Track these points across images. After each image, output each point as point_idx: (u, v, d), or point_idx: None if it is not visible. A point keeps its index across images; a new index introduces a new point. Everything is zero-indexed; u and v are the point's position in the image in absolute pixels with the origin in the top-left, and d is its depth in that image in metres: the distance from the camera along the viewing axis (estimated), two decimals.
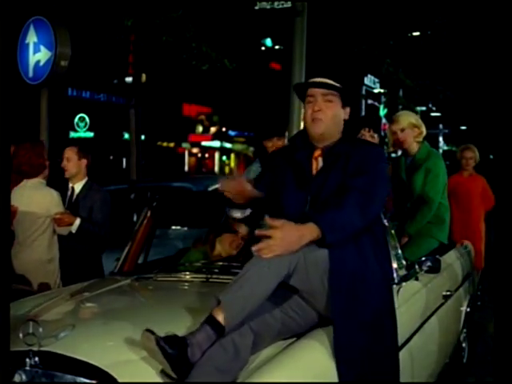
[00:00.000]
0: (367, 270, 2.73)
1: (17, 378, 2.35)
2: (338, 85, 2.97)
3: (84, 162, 5.16)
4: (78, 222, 4.82)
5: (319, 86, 2.96)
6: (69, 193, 5.17)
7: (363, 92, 40.21)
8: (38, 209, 4.66)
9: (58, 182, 5.02)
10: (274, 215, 2.77)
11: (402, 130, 4.63)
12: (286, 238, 2.53)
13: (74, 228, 4.82)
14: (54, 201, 4.72)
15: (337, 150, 2.95)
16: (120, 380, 2.27)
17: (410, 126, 4.62)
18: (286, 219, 2.65)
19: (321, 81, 2.97)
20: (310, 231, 2.59)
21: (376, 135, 4.77)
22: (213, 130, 38.86)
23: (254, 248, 2.52)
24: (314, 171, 2.94)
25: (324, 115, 2.93)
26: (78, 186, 5.17)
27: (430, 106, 40.13)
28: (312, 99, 2.97)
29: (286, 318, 2.70)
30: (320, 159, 2.97)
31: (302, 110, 9.42)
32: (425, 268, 3.70)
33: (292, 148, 3.09)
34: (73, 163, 5.12)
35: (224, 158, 41.98)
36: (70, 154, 5.13)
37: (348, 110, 3.04)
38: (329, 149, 2.96)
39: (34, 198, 4.68)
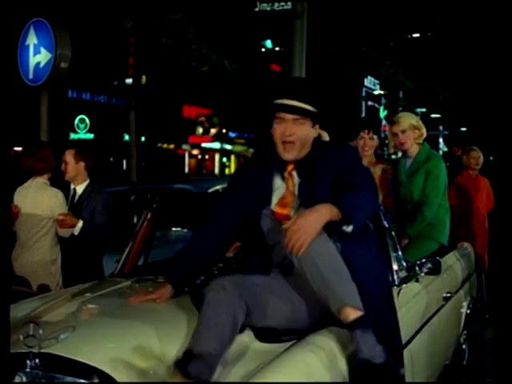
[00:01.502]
0: (375, 267, 2.81)
1: (17, 380, 2.35)
2: (311, 109, 2.87)
3: (82, 164, 5.15)
4: (80, 224, 4.83)
5: (291, 111, 2.87)
6: (71, 194, 5.18)
7: (363, 94, 40.25)
8: (42, 210, 4.65)
9: (58, 183, 5.02)
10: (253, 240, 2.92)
11: (403, 132, 4.63)
12: (305, 224, 2.52)
13: (76, 230, 4.82)
14: (59, 202, 4.73)
15: (312, 159, 2.92)
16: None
17: (410, 127, 4.62)
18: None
19: (294, 105, 2.86)
20: (329, 209, 2.58)
21: (376, 137, 4.76)
22: (213, 131, 38.90)
23: (289, 250, 2.53)
24: (291, 187, 2.87)
25: (295, 138, 2.86)
26: (79, 188, 5.18)
27: (430, 107, 40.13)
28: (282, 120, 2.88)
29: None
30: (294, 173, 2.91)
31: None
32: (425, 270, 3.71)
33: (260, 164, 3.03)
34: (71, 166, 5.13)
35: (224, 159, 42.01)
36: (68, 157, 5.14)
37: (317, 126, 2.97)
38: (302, 161, 2.92)
39: (39, 199, 4.68)
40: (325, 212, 2.57)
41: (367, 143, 4.66)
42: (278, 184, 2.95)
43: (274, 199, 2.87)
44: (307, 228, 2.52)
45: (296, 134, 2.86)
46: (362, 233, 2.79)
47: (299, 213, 2.70)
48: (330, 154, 2.93)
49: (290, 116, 2.87)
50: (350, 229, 2.62)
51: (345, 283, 2.57)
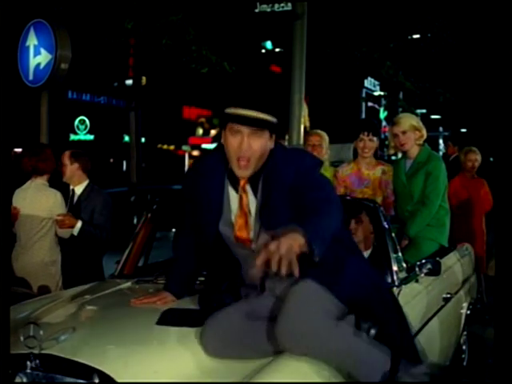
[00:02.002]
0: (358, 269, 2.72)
1: (17, 381, 2.35)
2: (271, 119, 2.60)
3: (75, 165, 5.17)
4: (79, 224, 4.83)
5: (249, 123, 2.57)
6: (70, 195, 5.19)
7: (363, 95, 40.22)
8: (41, 210, 4.67)
9: (58, 185, 5.03)
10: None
11: (404, 133, 4.62)
12: (283, 242, 2.21)
13: (75, 231, 4.83)
14: (58, 202, 4.75)
15: (266, 171, 2.67)
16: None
17: (411, 128, 4.62)
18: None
19: (253, 116, 2.56)
20: (295, 232, 2.26)
21: (375, 138, 4.75)
22: (213, 132, 38.86)
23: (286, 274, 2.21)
24: (245, 206, 2.67)
25: (251, 152, 2.59)
26: (78, 189, 5.19)
27: (430, 108, 40.12)
28: (237, 132, 2.59)
29: None
30: (248, 188, 2.68)
31: (303, 113, 9.38)
32: (425, 270, 3.70)
33: (210, 174, 2.76)
34: (66, 168, 5.16)
35: None
36: (64, 159, 5.17)
37: (274, 136, 2.68)
38: (256, 174, 2.66)
39: (38, 200, 4.70)
40: (294, 234, 2.25)
41: (367, 145, 4.66)
42: (232, 197, 2.73)
43: (232, 216, 2.71)
44: (287, 244, 2.20)
45: (253, 148, 2.59)
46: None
47: (260, 235, 2.60)
48: (282, 162, 2.64)
49: (246, 129, 2.58)
50: (316, 259, 2.32)
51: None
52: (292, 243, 2.22)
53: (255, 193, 2.68)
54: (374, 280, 2.79)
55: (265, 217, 2.63)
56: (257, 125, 2.58)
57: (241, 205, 2.69)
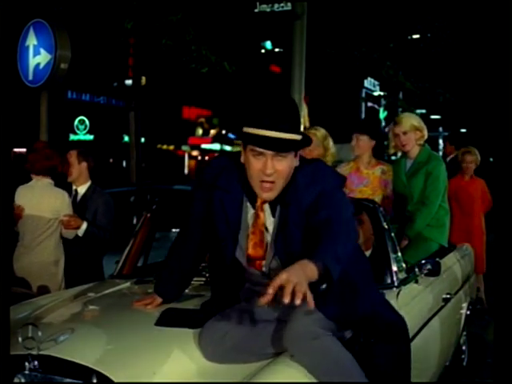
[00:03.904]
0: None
1: (16, 382, 2.35)
2: (296, 137, 2.38)
3: (84, 165, 5.16)
4: (84, 226, 4.82)
5: (274, 147, 2.34)
6: (72, 195, 5.17)
7: (363, 95, 40.26)
8: (48, 210, 4.64)
9: (60, 184, 5.02)
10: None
11: (405, 133, 4.61)
12: (293, 273, 2.09)
13: (80, 232, 4.82)
14: (65, 203, 4.73)
15: (285, 191, 2.47)
16: None
17: (412, 128, 4.61)
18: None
19: (277, 137, 2.33)
20: (307, 261, 2.16)
21: (366, 137, 4.70)
22: (212, 132, 38.90)
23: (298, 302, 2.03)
24: (261, 226, 2.51)
25: (276, 175, 2.39)
26: (81, 189, 5.18)
27: (430, 108, 40.12)
28: (260, 154, 2.38)
29: None
30: (265, 206, 2.51)
31: (302, 113, 9.33)
32: (425, 271, 3.70)
33: (226, 186, 2.59)
34: (73, 168, 5.13)
35: None
36: (70, 158, 5.13)
37: (299, 154, 2.49)
38: (278, 196, 2.47)
39: (45, 200, 4.67)
40: (306, 263, 2.14)
41: (357, 144, 4.68)
42: (250, 214, 2.58)
43: (248, 233, 2.57)
44: (297, 275, 2.07)
45: (278, 171, 2.39)
46: None
47: (274, 261, 2.54)
48: (305, 184, 2.46)
49: (271, 151, 2.36)
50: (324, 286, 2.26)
51: None
52: (303, 270, 2.11)
53: (273, 213, 2.52)
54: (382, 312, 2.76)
55: (280, 243, 2.50)
56: (282, 148, 2.36)
57: (255, 222, 2.53)
